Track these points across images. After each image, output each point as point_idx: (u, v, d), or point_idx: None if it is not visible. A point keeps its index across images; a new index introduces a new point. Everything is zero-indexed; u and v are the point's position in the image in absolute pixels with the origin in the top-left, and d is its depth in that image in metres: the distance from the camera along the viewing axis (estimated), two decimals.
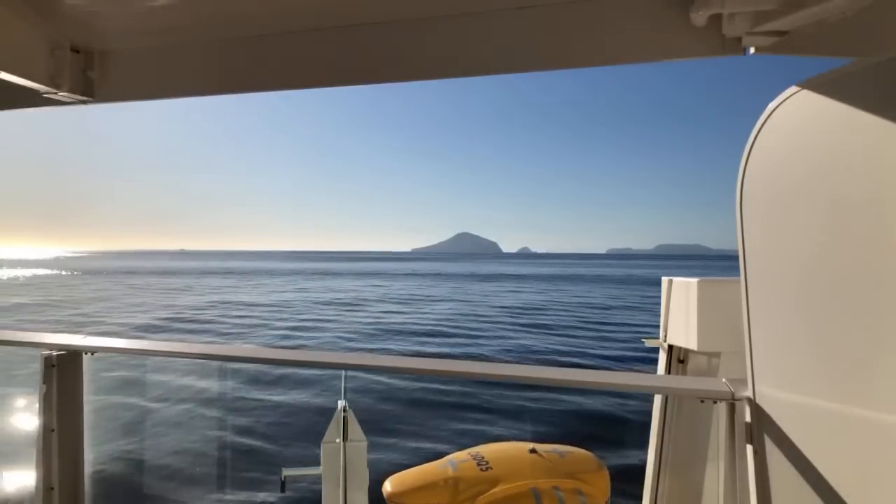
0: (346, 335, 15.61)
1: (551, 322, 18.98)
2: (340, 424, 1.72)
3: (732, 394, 1.20)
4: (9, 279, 44.01)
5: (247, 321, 18.41)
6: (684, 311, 1.80)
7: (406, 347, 13.93)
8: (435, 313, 21.54)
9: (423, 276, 58.68)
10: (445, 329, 17.09)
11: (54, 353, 1.61)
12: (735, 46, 1.15)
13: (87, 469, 1.71)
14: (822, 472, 0.98)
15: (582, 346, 14.08)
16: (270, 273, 60.02)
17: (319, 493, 1.72)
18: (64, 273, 56.08)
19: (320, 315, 20.77)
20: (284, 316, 20.14)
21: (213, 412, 7.17)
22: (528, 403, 7.37)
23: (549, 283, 46.64)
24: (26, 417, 1.74)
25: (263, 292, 31.72)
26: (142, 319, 18.39)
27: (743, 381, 1.17)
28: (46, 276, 47.94)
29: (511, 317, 20.50)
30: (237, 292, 31.44)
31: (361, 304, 24.97)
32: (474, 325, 18.16)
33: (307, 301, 26.29)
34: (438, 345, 14.42)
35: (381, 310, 22.76)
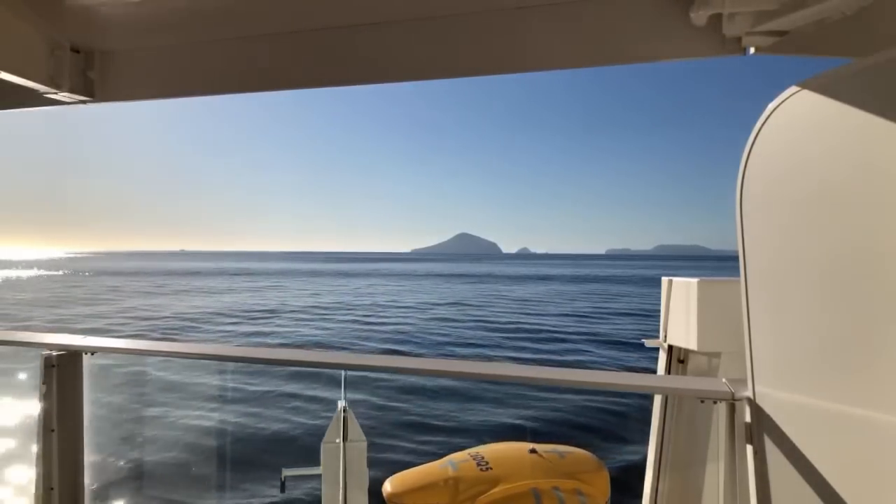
0: (499, 338, 14.97)
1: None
2: (340, 424, 1.72)
3: (732, 394, 1.20)
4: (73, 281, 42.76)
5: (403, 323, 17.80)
6: (684, 311, 1.80)
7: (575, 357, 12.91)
8: (526, 316, 20.68)
9: (450, 277, 57.42)
10: (563, 331, 16.26)
11: (54, 353, 1.61)
12: (735, 46, 1.16)
13: (87, 469, 1.71)
14: (822, 472, 0.98)
15: None
16: (298, 274, 59.50)
17: (319, 493, 1.72)
18: (87, 274, 55.22)
19: (433, 316, 20.41)
20: (412, 318, 19.66)
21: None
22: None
23: (597, 284, 45.27)
24: (26, 417, 1.74)
25: (348, 294, 30.80)
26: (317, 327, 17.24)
27: (743, 381, 1.17)
28: (86, 279, 46.19)
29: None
30: (331, 294, 30.36)
31: (452, 306, 24.01)
32: (586, 329, 17.35)
33: (398, 304, 25.38)
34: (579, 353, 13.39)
35: (477, 314, 21.68)
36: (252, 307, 22.87)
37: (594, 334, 16.21)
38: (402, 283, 45.12)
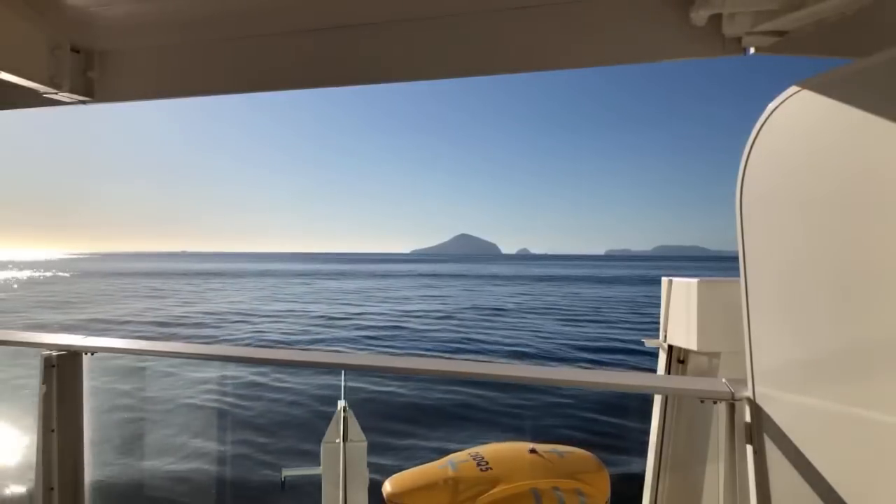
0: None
1: None
2: (340, 425, 1.72)
3: (732, 394, 1.20)
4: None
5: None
6: (684, 311, 1.80)
7: None
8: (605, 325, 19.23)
9: (472, 278, 55.78)
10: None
11: (54, 353, 1.60)
12: (735, 46, 1.16)
13: (87, 469, 1.71)
14: (821, 472, 0.98)
15: None
16: (314, 275, 58.81)
17: (320, 493, 1.72)
18: (112, 275, 53.80)
19: (522, 317, 19.90)
20: (494, 322, 18.74)
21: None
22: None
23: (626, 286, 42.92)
24: (26, 417, 1.73)
25: (432, 300, 28.62)
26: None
27: (743, 381, 1.17)
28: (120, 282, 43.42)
29: None
30: (422, 299, 28.56)
31: (508, 312, 22.39)
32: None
33: (466, 309, 23.64)
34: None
35: (531, 318, 20.49)
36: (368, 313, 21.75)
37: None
38: (441, 284, 43.78)
